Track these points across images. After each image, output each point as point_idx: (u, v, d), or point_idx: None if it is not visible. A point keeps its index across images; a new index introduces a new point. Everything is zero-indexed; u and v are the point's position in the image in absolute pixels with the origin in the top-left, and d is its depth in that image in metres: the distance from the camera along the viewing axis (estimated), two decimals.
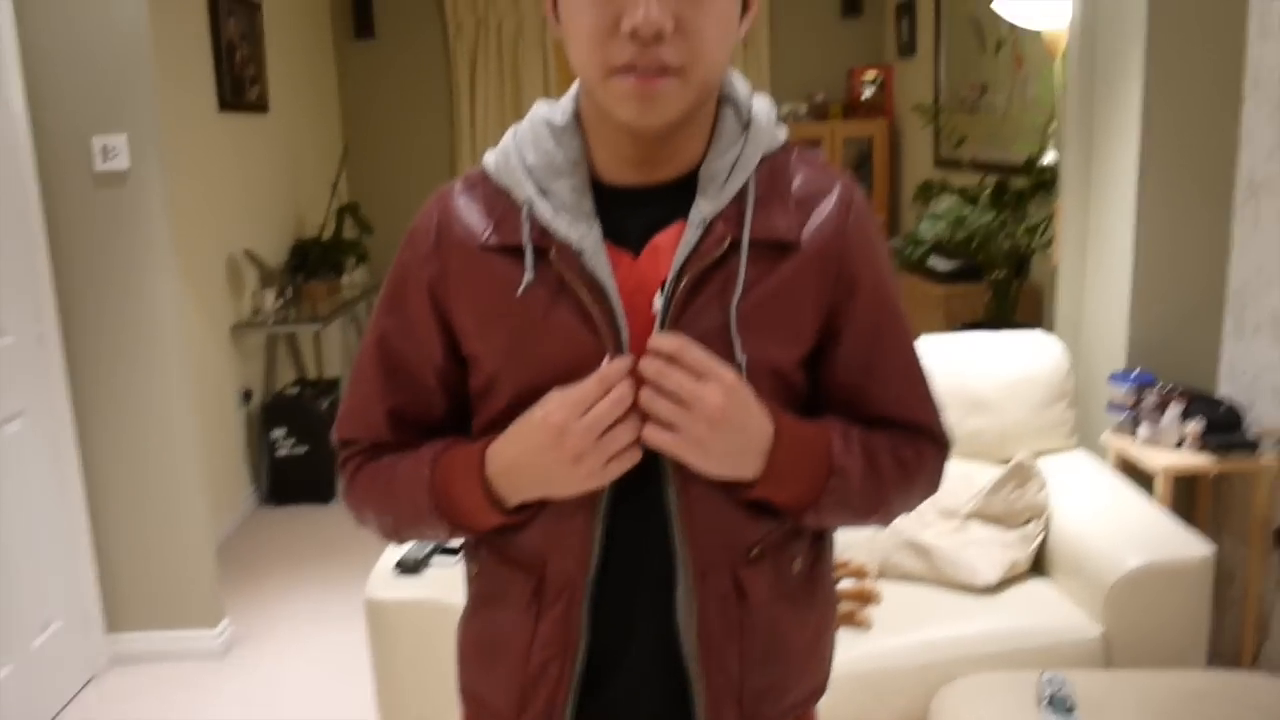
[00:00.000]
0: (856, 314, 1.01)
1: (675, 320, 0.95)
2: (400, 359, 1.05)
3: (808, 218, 0.99)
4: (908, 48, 5.54)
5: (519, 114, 5.87)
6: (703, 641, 1.01)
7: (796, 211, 0.98)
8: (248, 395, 4.37)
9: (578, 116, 1.00)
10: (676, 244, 0.97)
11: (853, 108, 5.84)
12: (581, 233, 0.95)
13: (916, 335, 1.08)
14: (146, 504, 3.07)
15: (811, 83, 5.93)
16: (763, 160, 1.00)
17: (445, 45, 5.92)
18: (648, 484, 0.98)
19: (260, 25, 4.63)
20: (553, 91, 5.86)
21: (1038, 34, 3.67)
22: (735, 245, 0.96)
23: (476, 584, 1.11)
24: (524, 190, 0.97)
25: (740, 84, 1.02)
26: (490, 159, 1.02)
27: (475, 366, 1.03)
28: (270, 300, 4.43)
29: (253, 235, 4.51)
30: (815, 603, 1.09)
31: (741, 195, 0.97)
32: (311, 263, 4.85)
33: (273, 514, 4.34)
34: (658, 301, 0.96)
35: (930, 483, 1.09)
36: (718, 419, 0.91)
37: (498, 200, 1.00)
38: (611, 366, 0.91)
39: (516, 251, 0.97)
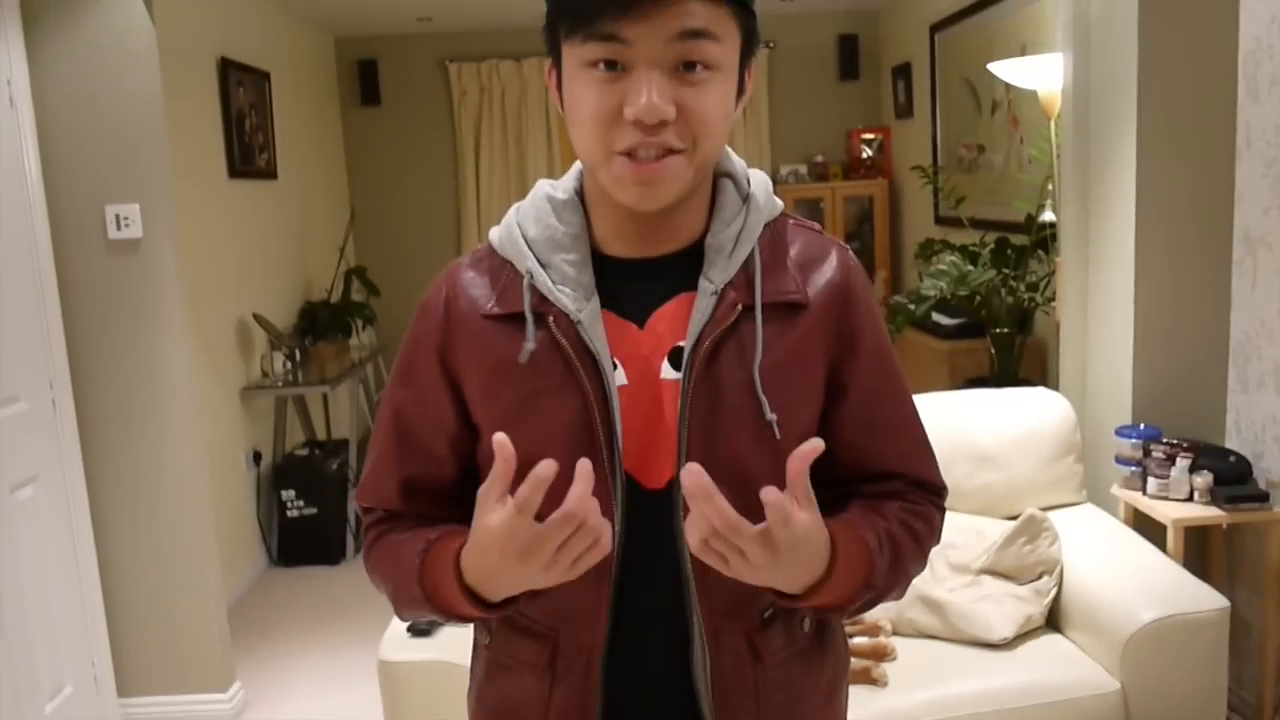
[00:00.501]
0: (859, 370, 1.04)
1: (697, 387, 0.97)
2: (412, 430, 1.07)
3: (810, 278, 1.02)
4: (905, 109, 5.64)
5: (523, 178, 5.96)
6: (719, 700, 1.02)
7: (799, 273, 1.02)
8: (257, 457, 4.38)
9: (580, 193, 1.04)
10: (680, 315, 0.99)
11: (852, 168, 5.93)
12: (580, 304, 0.98)
13: (914, 392, 1.11)
14: (157, 568, 3.07)
15: (811, 144, 6.03)
16: (765, 227, 1.04)
17: (450, 112, 6.03)
18: (659, 544, 1.00)
19: (269, 94, 4.73)
20: (556, 155, 5.95)
21: (1033, 94, 3.75)
22: (747, 310, 0.99)
23: (489, 652, 1.11)
24: (525, 262, 1.01)
25: (735, 158, 1.06)
26: (494, 234, 1.06)
27: (482, 433, 1.05)
28: (279, 362, 4.46)
29: (262, 299, 4.56)
30: (827, 656, 1.10)
31: (748, 263, 1.00)
32: (320, 325, 4.89)
33: (283, 575, 4.33)
34: (665, 370, 0.99)
35: (936, 539, 1.11)
36: (782, 551, 0.86)
37: (501, 273, 1.03)
38: (539, 470, 0.85)
39: (518, 319, 1.00)
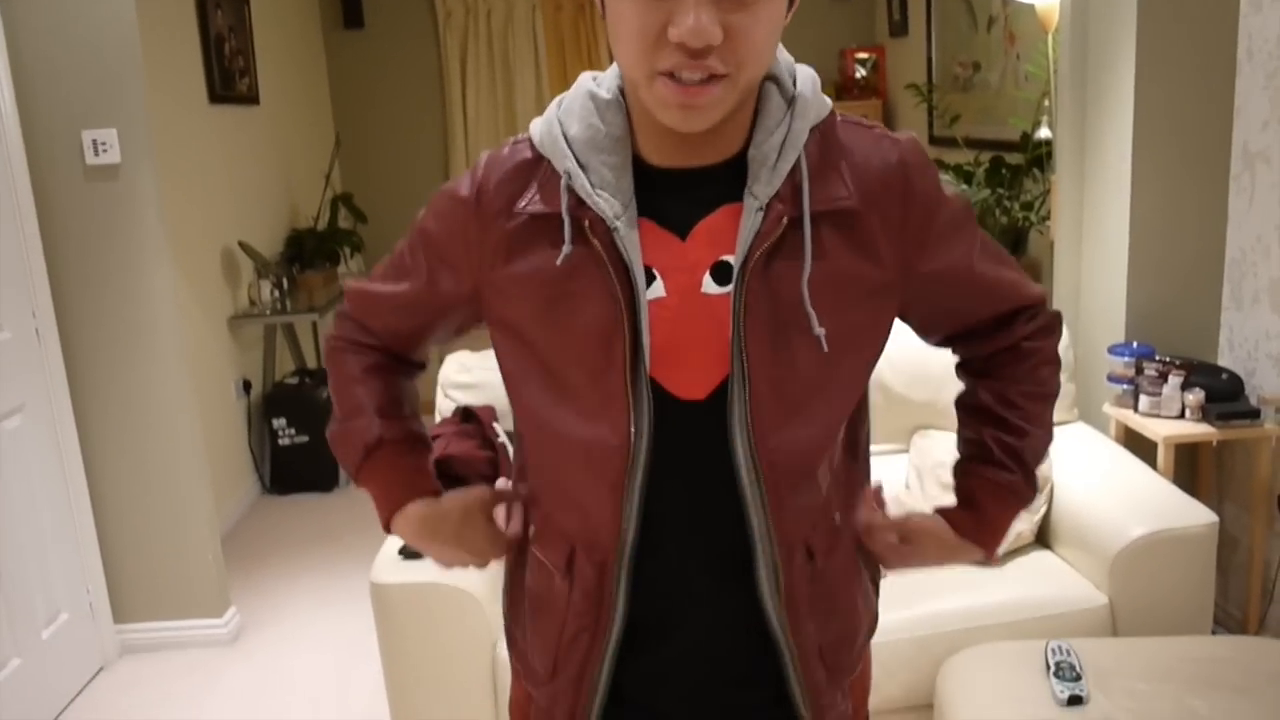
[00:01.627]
0: (940, 252, 1.02)
1: (750, 303, 0.95)
2: (415, 304, 1.11)
3: (863, 179, 0.97)
4: (899, 27, 5.52)
5: (510, 101, 5.86)
6: (790, 611, 1.03)
7: (852, 176, 0.97)
8: (247, 386, 4.37)
9: (622, 92, 0.98)
10: (724, 228, 0.96)
11: (846, 89, 5.83)
12: (617, 210, 0.95)
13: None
14: (149, 496, 3.07)
15: (803, 63, 5.91)
16: (812, 131, 0.98)
17: (435, 34, 5.90)
18: (696, 454, 1.00)
19: (249, 17, 4.61)
20: (544, 76, 5.84)
21: (1030, 9, 3.66)
22: (794, 222, 0.95)
23: (534, 544, 1.13)
24: (565, 162, 0.97)
25: (781, 55, 1.00)
26: (535, 128, 1.01)
27: (503, 327, 1.04)
28: (267, 291, 4.42)
29: (247, 227, 4.50)
30: (851, 546, 1.12)
31: (794, 173, 0.95)
32: (307, 253, 4.84)
33: (276, 503, 4.34)
34: (707, 284, 0.96)
35: (1058, 362, 1.17)
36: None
37: (538, 168, 0.99)
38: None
39: (553, 220, 0.97)
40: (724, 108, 0.90)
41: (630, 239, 0.95)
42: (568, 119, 0.99)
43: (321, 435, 4.39)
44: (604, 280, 0.95)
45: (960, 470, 1.17)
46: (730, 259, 0.96)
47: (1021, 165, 3.85)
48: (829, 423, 1.02)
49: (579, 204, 0.95)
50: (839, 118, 1.01)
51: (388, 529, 1.17)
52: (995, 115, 4.37)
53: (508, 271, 1.00)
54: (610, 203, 0.95)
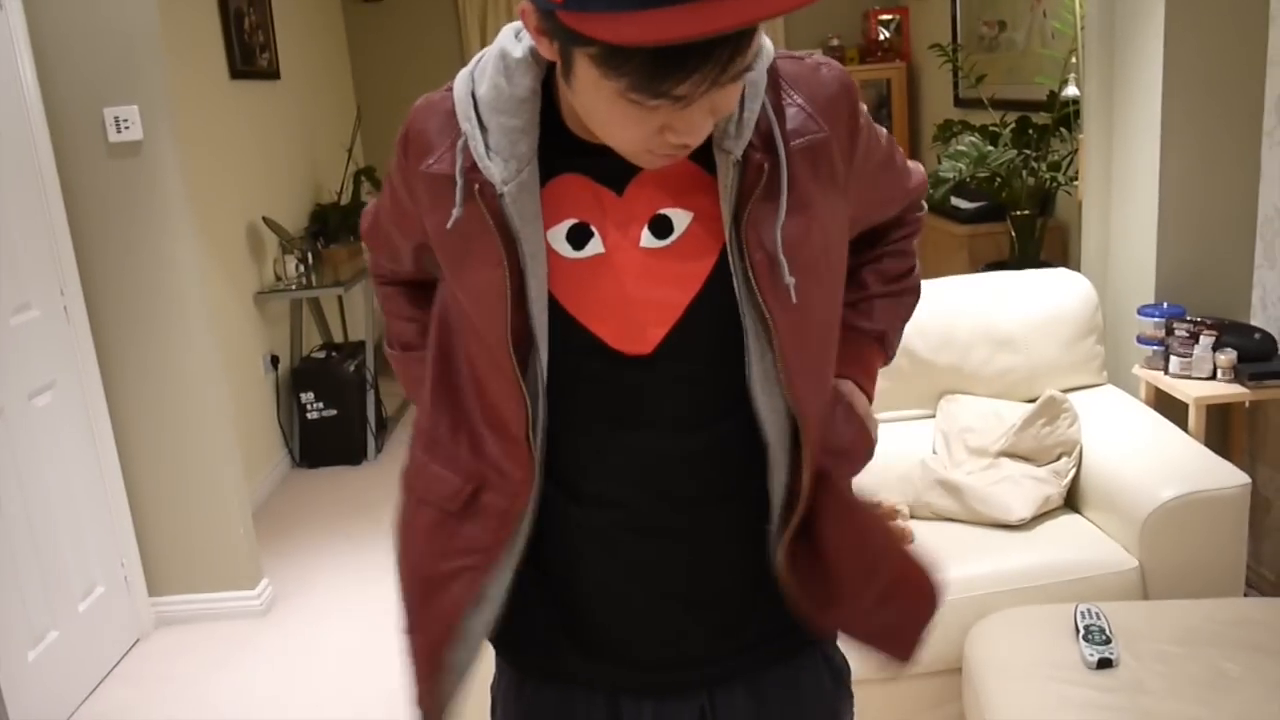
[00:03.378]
0: (867, 166, 1.06)
1: (754, 260, 0.93)
2: (392, 228, 1.15)
3: (819, 105, 0.97)
4: None
5: None
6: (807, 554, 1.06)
7: (811, 107, 0.97)
8: (275, 361, 4.40)
9: (535, 53, 0.94)
10: (663, 182, 0.94)
11: (869, 51, 5.76)
12: (508, 174, 0.92)
13: (932, 277, 1.23)
14: (181, 470, 3.11)
15: (826, 27, 5.84)
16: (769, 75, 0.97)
17: (454, 4, 5.87)
18: (643, 407, 0.99)
19: None
20: None
21: None
22: (775, 167, 0.93)
23: (408, 480, 1.15)
24: (464, 123, 0.95)
25: None
26: (458, 81, 0.99)
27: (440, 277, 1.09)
28: (292, 266, 4.44)
29: (271, 202, 4.52)
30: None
31: (760, 119, 0.93)
32: (331, 228, 4.86)
33: (305, 476, 4.39)
34: (645, 238, 0.94)
35: (916, 251, 1.28)
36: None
37: (450, 124, 0.97)
38: None
39: (449, 181, 0.95)
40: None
41: (522, 205, 0.93)
42: (480, 76, 0.96)
43: (349, 409, 4.45)
44: (489, 247, 0.93)
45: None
46: (668, 212, 0.95)
47: (1049, 125, 3.79)
48: (828, 356, 1.06)
49: (473, 166, 0.94)
50: (778, 56, 0.99)
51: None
52: (1022, 74, 4.31)
53: (429, 222, 1.01)
54: (503, 167, 0.92)
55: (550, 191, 0.95)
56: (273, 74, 4.63)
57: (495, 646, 1.17)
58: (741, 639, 1.07)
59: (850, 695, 1.18)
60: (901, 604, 1.12)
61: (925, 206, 1.27)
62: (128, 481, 3.10)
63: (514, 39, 0.95)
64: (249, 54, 4.36)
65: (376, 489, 4.15)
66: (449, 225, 0.95)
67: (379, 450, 4.54)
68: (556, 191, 0.96)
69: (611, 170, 0.95)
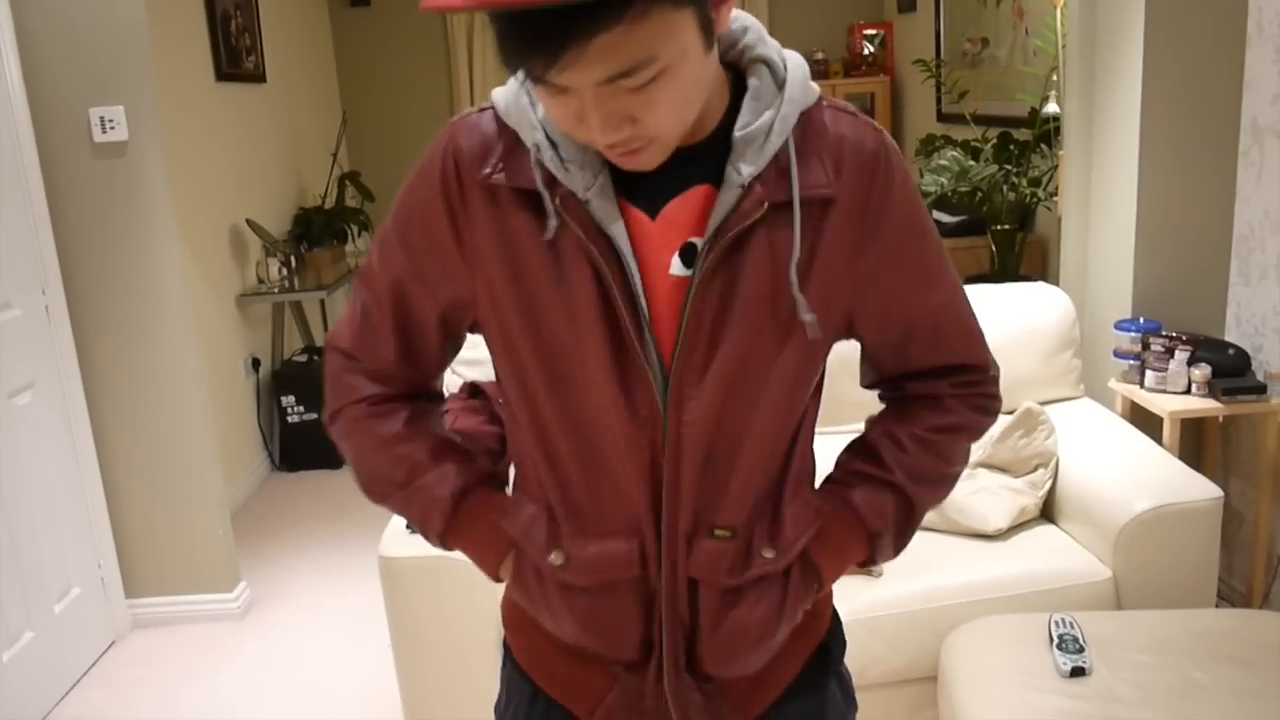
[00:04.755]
0: (890, 258, 0.99)
1: (706, 282, 0.93)
2: (409, 296, 1.03)
3: (841, 167, 0.96)
4: (908, 3, 5.49)
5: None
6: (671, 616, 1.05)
7: (831, 163, 0.95)
8: (256, 364, 4.39)
9: None
10: (694, 208, 0.95)
11: (854, 65, 5.81)
12: (588, 181, 0.93)
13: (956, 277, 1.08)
14: (159, 472, 3.10)
15: (811, 41, 5.89)
16: (800, 116, 0.96)
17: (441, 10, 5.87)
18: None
19: None
20: None
21: None
22: (774, 207, 0.93)
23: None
24: (534, 134, 0.94)
25: (769, 41, 0.98)
26: (500, 98, 0.98)
27: (490, 319, 1.01)
28: (275, 269, 4.43)
29: (255, 205, 4.51)
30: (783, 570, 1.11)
31: (779, 155, 0.94)
32: (314, 231, 4.85)
33: (285, 480, 4.37)
34: (675, 265, 0.95)
35: (987, 422, 1.13)
36: None
37: (503, 138, 0.96)
38: None
39: (525, 195, 0.95)
40: (667, 152, 0.90)
41: (605, 208, 0.93)
42: (534, 90, 0.94)
43: None
44: (584, 254, 0.93)
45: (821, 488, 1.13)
46: (696, 241, 0.95)
47: (1029, 141, 3.83)
48: (766, 416, 1.00)
49: (550, 179, 0.94)
50: (824, 103, 0.99)
51: (496, 578, 1.11)
52: (1004, 91, 4.35)
53: (493, 245, 0.97)
54: (582, 175, 0.93)
55: None
56: (259, 77, 4.63)
57: (513, 663, 1.18)
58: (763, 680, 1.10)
59: (856, 705, 1.20)
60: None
61: (992, 403, 1.11)
62: (106, 482, 3.08)
63: None
64: (235, 56, 4.35)
65: (355, 494, 4.09)
66: (549, 235, 0.93)
67: None
68: None
69: (647, 193, 0.95)
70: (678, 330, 0.95)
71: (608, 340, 0.94)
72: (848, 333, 1.05)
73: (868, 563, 1.10)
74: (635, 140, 0.86)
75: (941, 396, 1.09)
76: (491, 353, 1.04)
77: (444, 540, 1.09)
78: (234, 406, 4.16)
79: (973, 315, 1.09)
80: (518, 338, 0.98)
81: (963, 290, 1.07)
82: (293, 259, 4.56)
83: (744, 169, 0.92)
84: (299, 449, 4.43)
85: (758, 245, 0.94)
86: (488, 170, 0.95)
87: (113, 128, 2.88)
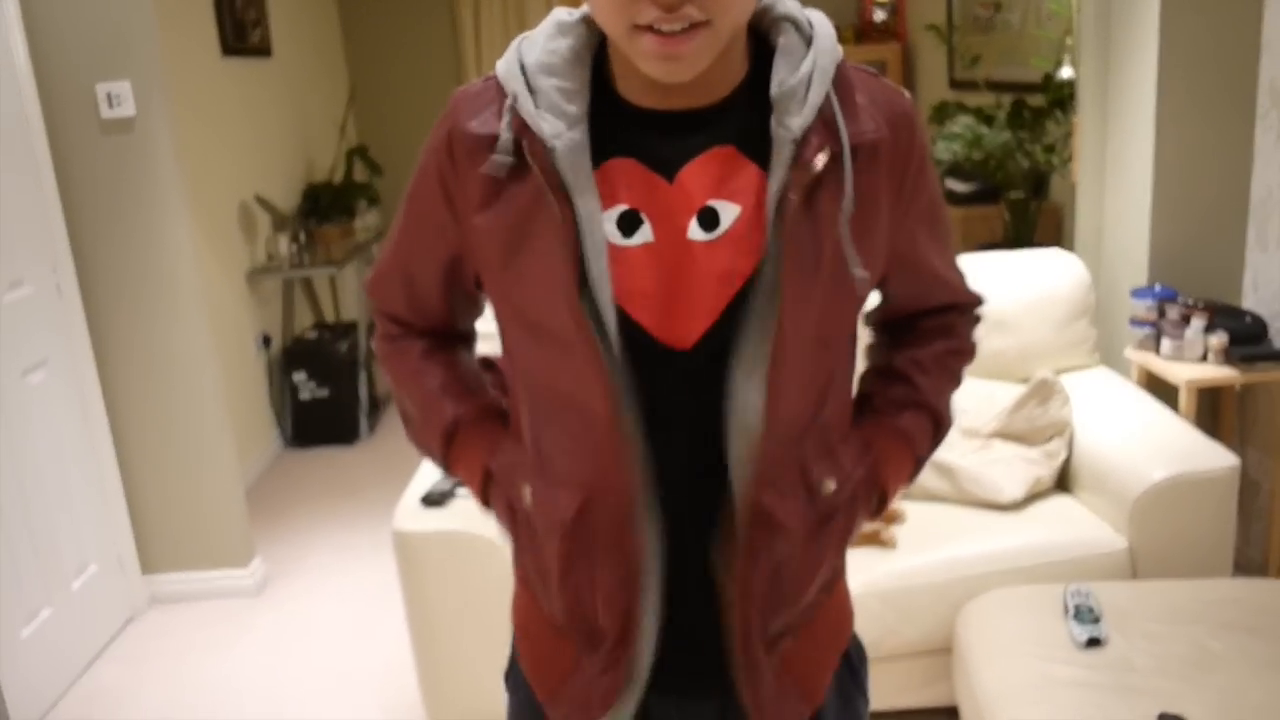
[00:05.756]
0: (917, 215, 1.03)
1: (789, 246, 0.91)
2: (412, 258, 1.10)
3: (880, 114, 0.96)
4: None
5: None
6: (740, 580, 1.02)
7: (872, 114, 0.95)
8: (267, 340, 4.39)
9: (588, 21, 0.96)
10: (712, 171, 0.93)
11: (864, 32, 5.74)
12: (558, 129, 0.92)
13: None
14: (173, 448, 3.11)
15: (823, 7, 5.76)
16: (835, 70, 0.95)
17: None
18: (684, 402, 0.98)
19: None
20: None
21: None
22: (833, 156, 0.92)
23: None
24: (513, 85, 0.95)
25: (793, 2, 0.97)
26: (500, 66, 0.99)
27: (484, 278, 1.03)
28: (284, 245, 4.43)
29: (263, 181, 4.49)
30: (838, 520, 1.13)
31: (823, 108, 0.92)
32: (323, 207, 4.83)
33: (298, 456, 4.39)
34: (693, 229, 0.93)
35: (974, 352, 1.20)
36: None
37: (497, 98, 0.97)
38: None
39: (495, 140, 0.94)
40: (708, 56, 0.88)
41: (572, 161, 0.92)
42: (529, 48, 0.97)
43: (341, 389, 4.44)
44: (546, 207, 0.92)
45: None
46: (716, 204, 0.93)
47: (1043, 107, 3.78)
48: (837, 377, 1.04)
49: (522, 126, 0.93)
50: (848, 65, 0.98)
51: (486, 506, 1.15)
52: (1017, 56, 4.30)
53: (477, 216, 0.98)
54: (551, 123, 0.92)
55: (602, 175, 0.94)
56: (265, 51, 4.60)
57: (511, 677, 1.18)
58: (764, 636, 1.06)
59: (865, 694, 1.17)
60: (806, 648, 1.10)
61: (978, 328, 1.20)
62: (121, 459, 3.09)
63: (565, 14, 0.98)
64: (241, 30, 4.33)
65: (368, 469, 4.16)
66: (488, 169, 0.94)
67: (371, 430, 4.54)
68: (609, 175, 0.94)
69: (664, 155, 0.94)
70: (707, 298, 0.93)
71: (567, 294, 0.93)
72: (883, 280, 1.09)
73: (907, 483, 1.17)
74: (694, 12, 0.84)
75: (953, 325, 1.17)
76: (502, 334, 1.07)
77: (446, 467, 1.16)
78: (245, 383, 4.17)
79: (958, 264, 1.18)
80: (500, 291, 1.01)
81: (950, 233, 1.15)
82: (302, 235, 4.55)
83: (793, 122, 0.91)
84: (311, 425, 4.44)
85: (825, 198, 0.92)
86: (475, 125, 0.97)
87: (119, 103, 2.86)
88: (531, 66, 0.95)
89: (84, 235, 2.95)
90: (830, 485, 1.03)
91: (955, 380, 1.18)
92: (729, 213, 0.93)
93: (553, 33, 0.96)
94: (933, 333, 1.17)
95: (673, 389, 0.97)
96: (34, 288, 2.78)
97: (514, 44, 0.99)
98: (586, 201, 0.92)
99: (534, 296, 0.96)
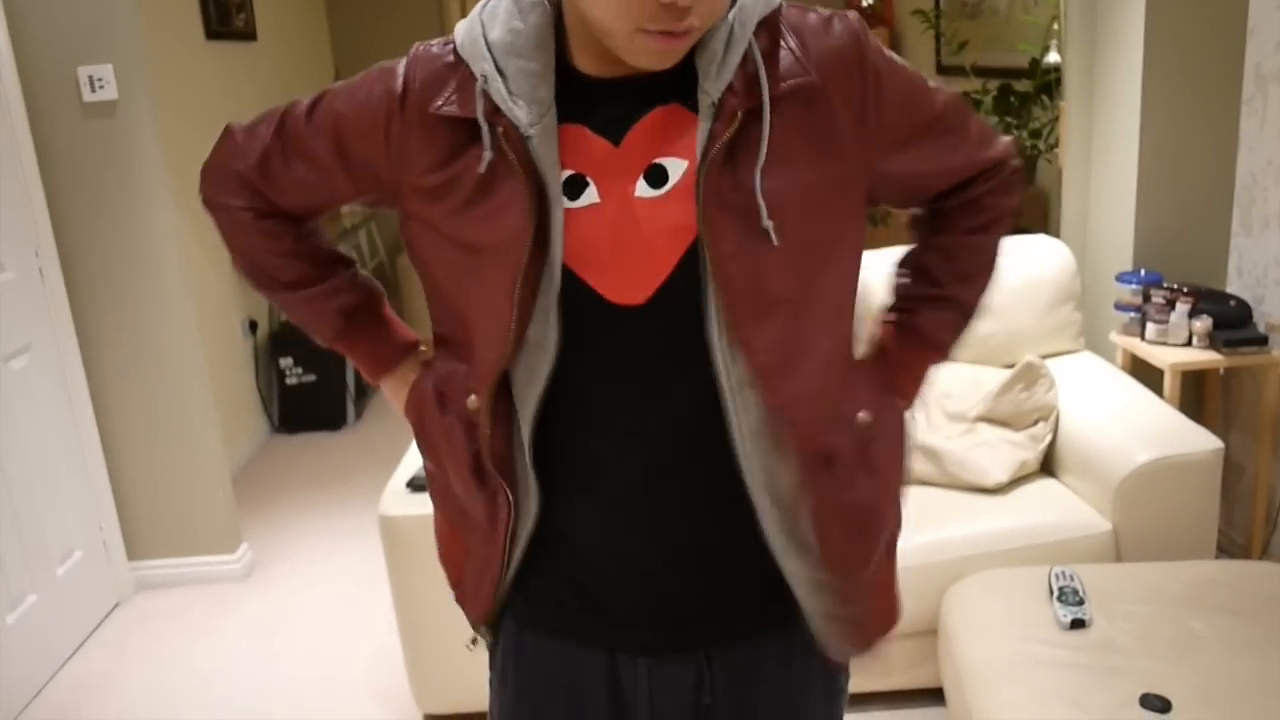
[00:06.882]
0: (892, 115, 1.00)
1: (709, 203, 0.92)
2: (317, 163, 1.07)
3: (813, 54, 0.96)
4: None
5: None
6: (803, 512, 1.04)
7: (804, 54, 0.95)
8: (253, 326, 4.37)
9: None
10: (658, 131, 0.95)
11: None
12: (532, 118, 0.93)
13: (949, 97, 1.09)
14: (159, 434, 3.09)
15: None
16: (760, 24, 0.95)
17: None
18: (634, 359, 0.99)
19: None
20: None
21: None
22: (751, 114, 0.93)
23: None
24: (482, 65, 0.95)
25: None
26: (459, 29, 0.99)
27: (418, 223, 1.02)
28: None
29: None
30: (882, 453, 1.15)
31: (745, 63, 0.93)
32: None
33: (285, 441, 4.37)
34: (641, 187, 0.94)
35: (1012, 209, 1.16)
36: None
37: (457, 70, 0.97)
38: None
39: (468, 125, 0.95)
40: (690, 47, 0.91)
41: (545, 148, 0.94)
42: (490, 20, 0.97)
43: (329, 374, 4.43)
44: (516, 190, 0.94)
45: (885, 317, 1.17)
46: (664, 161, 0.95)
47: (1030, 93, 3.79)
48: (831, 325, 1.01)
49: (495, 110, 0.94)
50: (785, 6, 0.99)
51: (376, 384, 1.23)
52: (1004, 41, 4.30)
53: (425, 175, 0.98)
54: (526, 110, 0.93)
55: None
56: (249, 35, 4.57)
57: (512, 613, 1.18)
58: (738, 600, 1.07)
59: (847, 674, 1.17)
60: (869, 604, 1.11)
61: (1016, 178, 1.15)
62: (106, 445, 3.08)
63: None
64: (225, 14, 4.29)
65: (356, 454, 4.15)
66: (481, 169, 0.94)
67: (358, 416, 4.53)
68: (560, 143, 0.96)
69: (610, 120, 0.96)
70: (657, 254, 0.95)
71: (514, 267, 0.95)
72: (883, 198, 1.09)
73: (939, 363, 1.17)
74: (694, 20, 0.87)
75: (978, 198, 1.13)
76: (415, 243, 1.06)
77: (335, 345, 1.21)
78: (232, 369, 4.15)
79: (978, 118, 1.12)
80: (440, 250, 1.02)
81: (962, 102, 1.09)
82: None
83: (710, 86, 0.93)
84: (298, 411, 4.43)
85: (746, 154, 0.93)
86: (440, 102, 0.97)
87: (102, 87, 2.84)
88: (497, 45, 0.95)
89: (67, 220, 2.93)
90: (864, 416, 1.04)
91: (987, 254, 1.15)
92: (677, 168, 0.95)
93: (513, 10, 0.96)
94: (955, 212, 1.14)
95: (626, 343, 0.98)
96: (16, 273, 2.76)
97: (475, 14, 0.98)
98: (551, 178, 0.95)
99: (486, 257, 0.97)
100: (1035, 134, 3.72)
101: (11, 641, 2.62)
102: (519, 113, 0.93)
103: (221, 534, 3.20)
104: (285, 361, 4.36)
